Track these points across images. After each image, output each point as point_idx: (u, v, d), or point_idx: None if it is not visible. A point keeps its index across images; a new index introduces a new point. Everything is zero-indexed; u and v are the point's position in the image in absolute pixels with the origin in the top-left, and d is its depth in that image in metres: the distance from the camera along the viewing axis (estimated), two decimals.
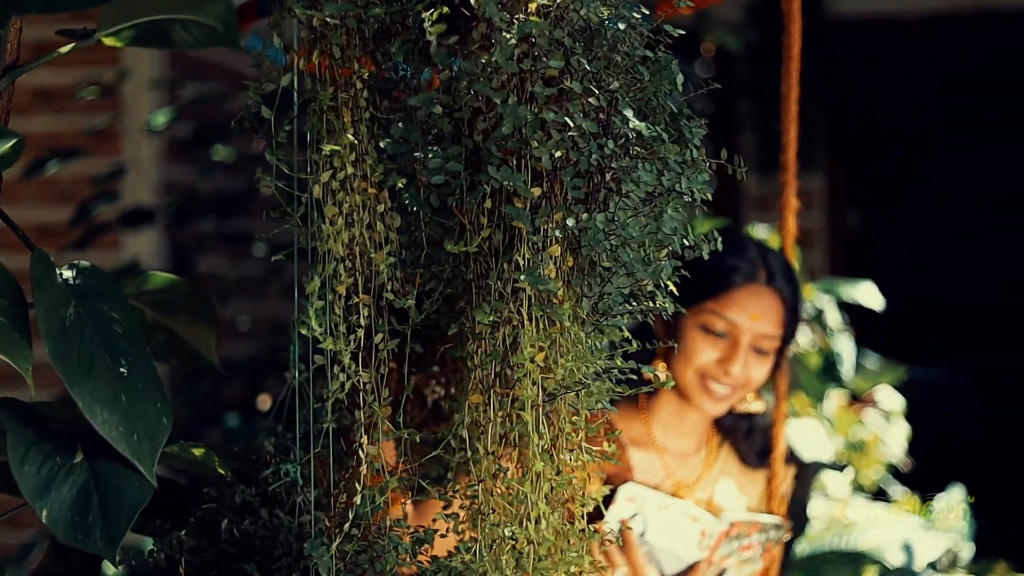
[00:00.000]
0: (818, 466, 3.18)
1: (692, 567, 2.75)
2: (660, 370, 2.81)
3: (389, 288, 1.86)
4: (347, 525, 1.85)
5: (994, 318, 9.71)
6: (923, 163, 9.64)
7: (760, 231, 5.41)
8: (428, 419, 2.13)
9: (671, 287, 1.89)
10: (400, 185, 1.84)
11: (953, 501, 5.07)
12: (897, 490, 5.13)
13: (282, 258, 1.94)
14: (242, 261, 5.70)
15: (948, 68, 9.00)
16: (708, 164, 1.86)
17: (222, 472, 1.97)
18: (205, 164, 5.32)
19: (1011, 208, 9.50)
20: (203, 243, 5.55)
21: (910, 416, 5.27)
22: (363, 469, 1.86)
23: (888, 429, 5.07)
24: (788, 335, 2.85)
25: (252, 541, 1.95)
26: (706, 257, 1.84)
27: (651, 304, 1.86)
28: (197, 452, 1.98)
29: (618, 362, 1.87)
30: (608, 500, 2.71)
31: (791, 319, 2.84)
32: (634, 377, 1.89)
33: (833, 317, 4.73)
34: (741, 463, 2.96)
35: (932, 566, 4.40)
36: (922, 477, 5.53)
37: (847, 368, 4.62)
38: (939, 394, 9.26)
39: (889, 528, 4.35)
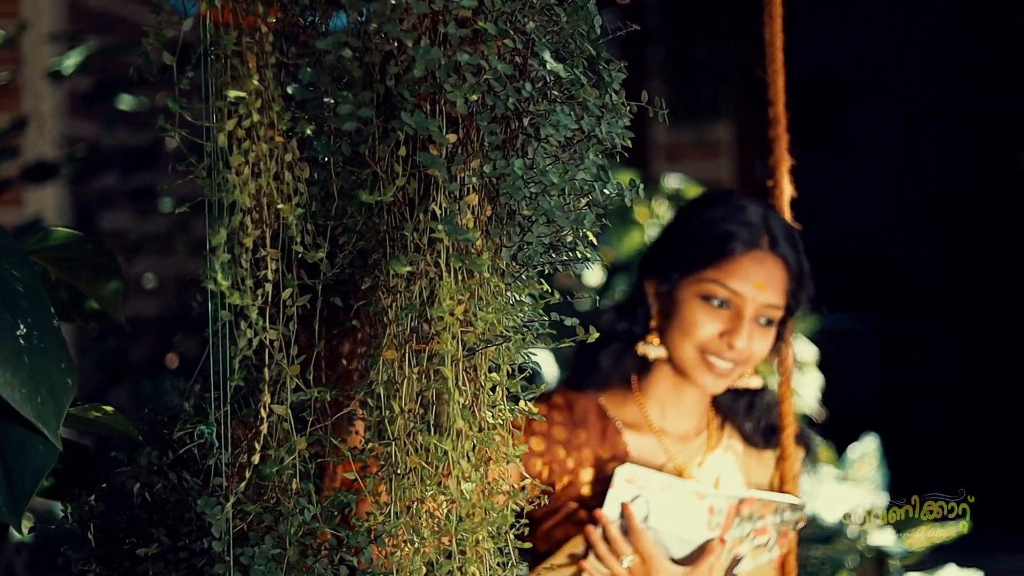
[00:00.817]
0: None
1: (703, 548, 2.54)
2: (654, 345, 2.67)
3: (299, 241, 1.77)
4: (243, 484, 1.77)
5: (904, 265, 9.77)
6: (837, 112, 9.66)
7: (673, 181, 5.36)
8: (343, 378, 2.03)
9: (591, 237, 1.82)
10: (309, 133, 1.76)
11: (866, 451, 5.06)
12: None
13: (186, 210, 1.86)
14: (147, 217, 5.59)
15: (866, 17, 9.01)
16: (628, 108, 1.79)
17: (132, 434, 1.90)
18: (108, 118, 5.20)
19: (923, 156, 9.54)
20: (107, 199, 5.43)
21: (823, 365, 5.26)
22: (263, 428, 1.77)
23: (801, 379, 5.05)
24: (793, 305, 2.68)
25: (163, 505, 1.88)
26: (629, 204, 1.78)
27: (572, 255, 1.80)
28: (105, 412, 1.91)
29: (538, 314, 1.80)
30: (605, 483, 2.56)
31: (796, 287, 2.66)
32: (553, 331, 1.83)
33: None
34: (746, 444, 2.80)
35: (847, 516, 4.39)
36: (835, 426, 5.54)
37: None
38: (851, 342, 9.31)
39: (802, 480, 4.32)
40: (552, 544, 2.62)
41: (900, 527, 4.68)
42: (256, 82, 1.75)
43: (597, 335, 1.79)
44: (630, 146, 1.77)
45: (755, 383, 2.72)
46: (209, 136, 1.77)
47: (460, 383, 1.76)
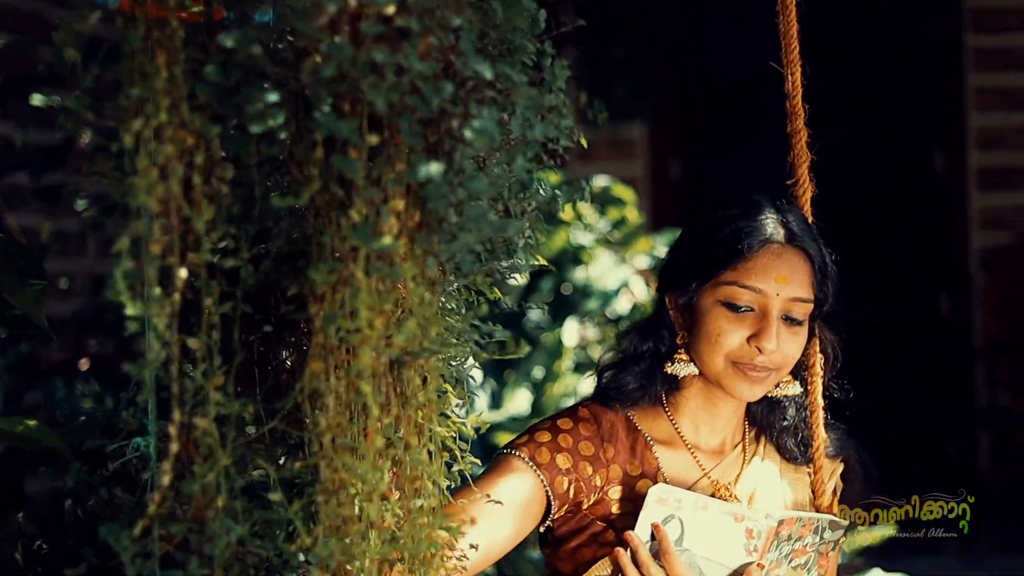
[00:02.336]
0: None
1: (739, 573, 2.38)
2: (683, 363, 2.50)
3: (208, 248, 1.67)
4: (152, 506, 1.67)
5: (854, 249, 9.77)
6: (749, 111, 9.64)
7: (601, 180, 5.30)
8: (271, 391, 1.92)
9: (539, 237, 1.74)
10: (220, 134, 1.66)
11: None
12: None
13: (93, 214, 1.76)
14: (58, 217, 5.45)
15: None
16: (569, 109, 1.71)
17: (59, 449, 1.80)
18: (19, 116, 5.06)
19: (836, 158, 9.55)
20: (15, 198, 5.29)
21: None
22: (174, 447, 1.67)
23: None
24: (821, 299, 2.51)
25: (95, 524, 1.78)
26: (557, 212, 1.70)
27: (508, 261, 1.71)
28: (28, 426, 1.81)
29: (467, 324, 1.72)
30: (636, 502, 2.42)
31: (821, 280, 2.50)
32: (490, 339, 1.74)
33: None
34: (783, 458, 2.63)
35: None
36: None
37: None
38: None
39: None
40: (578, 565, 2.48)
41: None
42: (164, 80, 1.65)
43: (528, 349, 1.70)
44: (585, 146, 1.69)
45: (792, 390, 2.56)
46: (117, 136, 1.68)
47: (386, 398, 1.68)
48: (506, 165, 1.72)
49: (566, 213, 4.88)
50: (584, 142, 1.76)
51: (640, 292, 4.74)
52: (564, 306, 4.78)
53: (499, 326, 1.73)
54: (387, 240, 1.59)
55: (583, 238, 4.91)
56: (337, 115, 1.61)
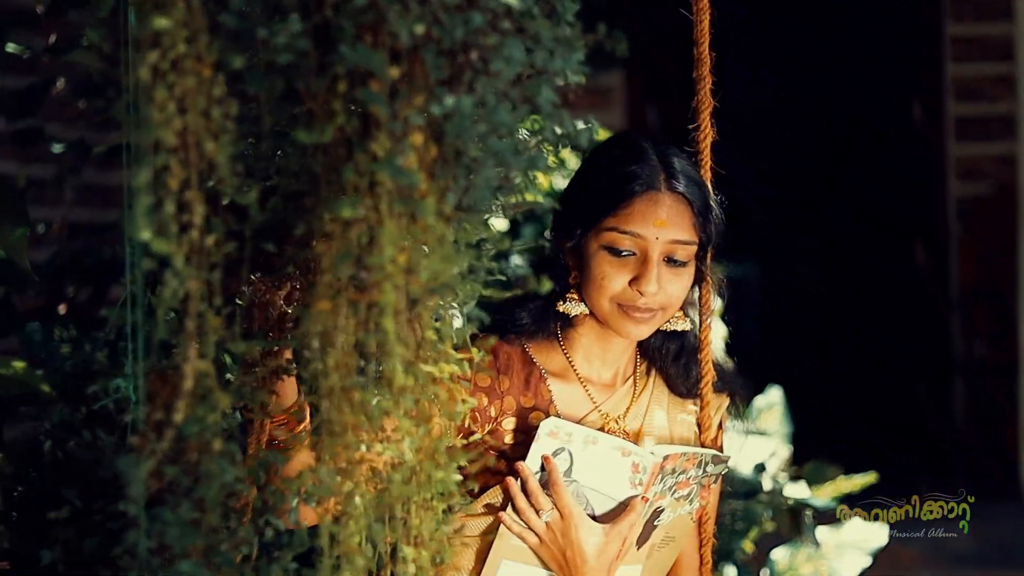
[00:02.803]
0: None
1: (624, 505, 2.48)
2: (574, 302, 2.57)
3: (227, 183, 1.64)
4: (163, 443, 1.64)
5: (804, 214, 9.77)
6: (728, 56, 9.61)
7: (580, 126, 5.26)
8: (274, 329, 1.90)
9: (540, 178, 1.71)
10: (240, 66, 1.63)
11: (771, 402, 5.02)
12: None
13: (102, 150, 1.72)
14: (33, 162, 5.38)
15: None
16: (583, 43, 1.68)
17: (43, 390, 1.76)
18: None
19: (812, 107, 9.54)
20: None
21: (728, 316, 5.20)
22: (187, 384, 1.64)
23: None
24: (704, 241, 2.57)
25: (76, 465, 1.75)
26: (584, 146, 1.67)
27: (521, 198, 1.69)
28: (14, 368, 1.78)
29: (485, 262, 1.69)
30: (528, 433, 2.49)
31: (703, 223, 2.55)
32: (503, 278, 1.72)
33: None
34: (671, 392, 2.69)
35: (759, 468, 4.34)
36: (742, 377, 5.48)
37: None
38: (756, 292, 9.29)
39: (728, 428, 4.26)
40: (470, 495, 2.51)
41: (812, 480, 4.65)
42: (183, 11, 1.62)
43: (549, 286, 1.68)
44: (584, 82, 1.67)
45: (682, 326, 2.62)
46: (129, 70, 1.64)
47: (402, 335, 1.65)
48: (523, 99, 1.69)
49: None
50: (572, 80, 1.73)
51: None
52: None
53: (515, 261, 1.69)
54: (414, 174, 1.56)
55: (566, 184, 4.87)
56: (362, 47, 1.58)
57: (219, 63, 1.63)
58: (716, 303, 5.09)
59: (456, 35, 1.58)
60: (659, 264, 2.51)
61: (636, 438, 2.61)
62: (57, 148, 4.74)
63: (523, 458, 2.46)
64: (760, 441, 4.31)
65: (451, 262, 1.65)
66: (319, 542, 1.69)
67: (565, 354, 2.64)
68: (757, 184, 9.91)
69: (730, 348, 5.15)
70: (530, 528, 2.46)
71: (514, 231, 4.83)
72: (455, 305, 1.79)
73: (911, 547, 5.83)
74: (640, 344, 2.68)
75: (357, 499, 1.70)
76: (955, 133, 7.85)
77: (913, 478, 7.56)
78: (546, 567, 2.50)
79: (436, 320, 1.71)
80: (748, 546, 4.39)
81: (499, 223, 4.88)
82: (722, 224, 2.61)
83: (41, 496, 1.78)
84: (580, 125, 1.68)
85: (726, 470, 2.64)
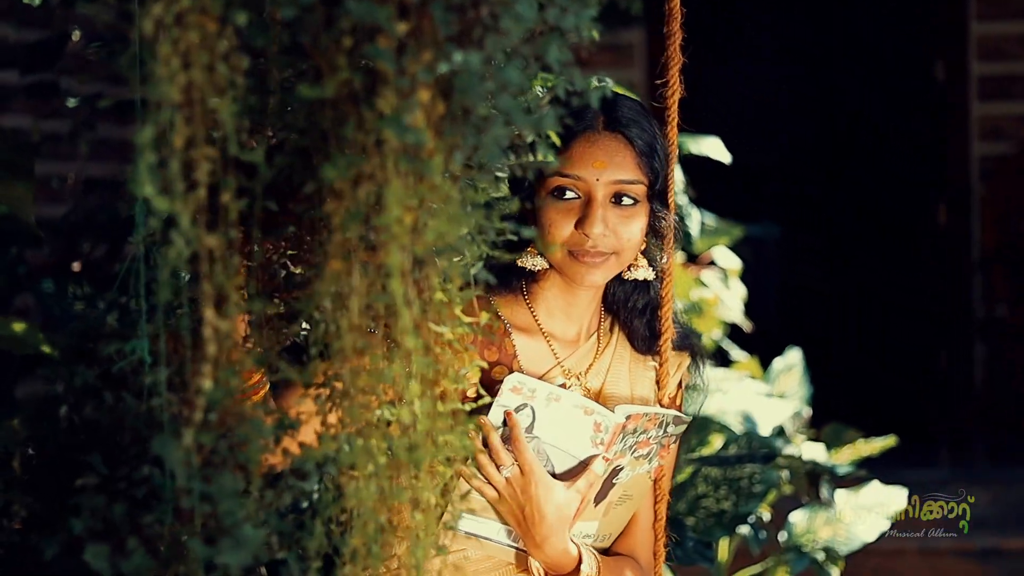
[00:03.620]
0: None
1: (584, 464, 2.47)
2: (531, 255, 2.56)
3: (235, 139, 1.60)
4: (201, 413, 1.60)
5: (825, 174, 9.71)
6: (751, 19, 9.54)
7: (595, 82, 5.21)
8: (280, 289, 1.86)
9: (554, 138, 1.68)
10: (245, 20, 1.59)
11: (790, 364, 4.99)
12: (738, 353, 5.01)
13: (108, 104, 1.69)
14: (48, 117, 5.35)
15: None
16: None
17: (48, 352, 1.73)
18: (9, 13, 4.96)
19: (834, 72, 9.47)
20: (4, 97, 5.19)
21: (747, 276, 5.16)
22: (212, 348, 1.61)
23: (726, 290, 4.95)
24: (651, 179, 2.54)
25: (96, 429, 1.71)
26: (595, 105, 1.63)
27: (531, 158, 1.65)
28: (16, 328, 1.74)
29: (495, 223, 1.66)
30: (490, 388, 2.43)
31: (647, 162, 2.52)
32: (514, 238, 1.69)
33: (676, 174, 4.52)
34: (633, 349, 2.69)
35: (779, 431, 4.31)
36: (761, 338, 5.46)
37: (694, 225, 4.41)
38: (776, 253, 9.24)
39: (733, 393, 4.23)
40: None
41: (830, 443, 4.63)
42: None
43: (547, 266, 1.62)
44: (596, 39, 1.63)
45: (643, 274, 2.60)
46: (134, 24, 1.61)
47: (409, 297, 1.62)
48: (534, 56, 1.65)
49: None
50: (585, 36, 1.69)
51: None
52: None
53: (529, 229, 1.66)
54: (421, 132, 1.53)
55: None
56: (369, 1, 1.54)
57: (224, 17, 1.60)
58: (735, 263, 5.05)
59: None
60: (605, 206, 2.50)
61: (597, 396, 2.62)
62: (72, 102, 4.71)
63: (486, 413, 2.44)
64: (779, 403, 4.27)
65: (458, 223, 1.62)
66: (343, 503, 1.67)
67: (530, 309, 2.63)
68: (776, 145, 9.86)
69: (748, 309, 5.13)
70: (489, 483, 2.46)
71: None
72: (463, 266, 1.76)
73: None
74: (605, 298, 2.68)
75: (371, 464, 1.68)
76: (978, 93, 7.78)
77: (934, 444, 7.56)
78: (503, 522, 2.50)
79: (445, 281, 1.67)
80: (766, 509, 4.37)
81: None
82: (665, 163, 2.58)
83: (61, 462, 1.74)
84: (594, 82, 1.64)
85: (685, 429, 2.63)
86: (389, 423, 1.67)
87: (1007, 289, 7.47)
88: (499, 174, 1.69)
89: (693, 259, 5.05)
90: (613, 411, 2.48)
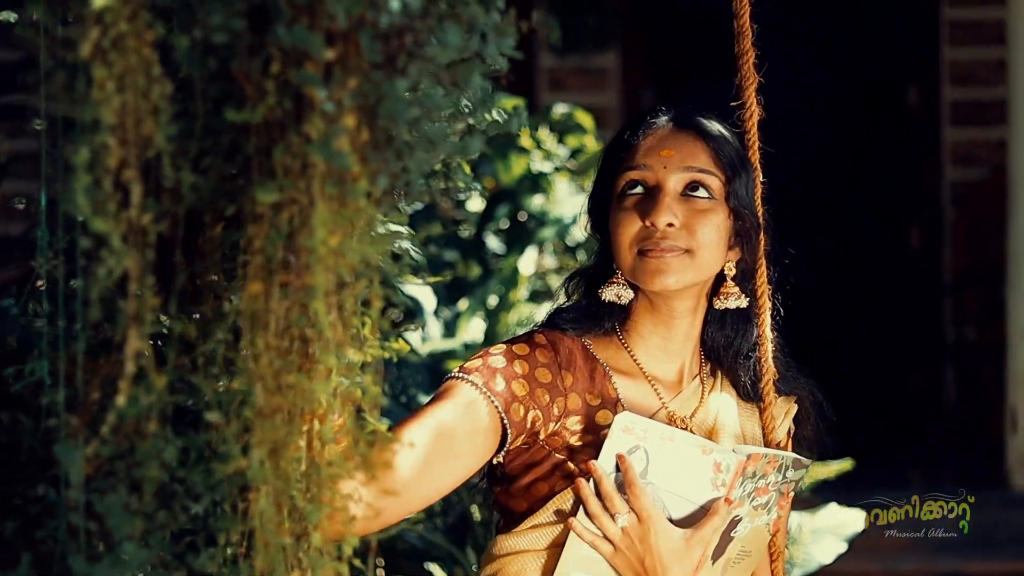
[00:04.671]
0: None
1: (705, 509, 2.26)
2: (615, 285, 2.38)
3: (166, 163, 1.64)
4: (105, 427, 1.64)
5: (795, 201, 9.76)
6: (718, 41, 9.58)
7: (561, 108, 5.26)
8: (198, 308, 1.86)
9: (464, 165, 1.72)
10: (177, 46, 1.63)
11: None
12: None
13: (37, 127, 1.74)
14: (16, 137, 5.37)
15: None
16: (514, 29, 1.68)
17: None
18: None
19: (807, 96, 9.52)
20: None
21: None
22: (129, 367, 1.64)
23: None
24: (729, 173, 2.37)
25: None
26: (516, 131, 1.68)
27: (452, 183, 1.69)
28: None
29: (410, 246, 1.70)
30: (595, 433, 2.31)
31: (724, 157, 2.37)
32: (416, 263, 1.72)
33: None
34: (738, 395, 2.47)
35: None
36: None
37: None
38: None
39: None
40: (533, 502, 2.33)
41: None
42: None
43: (478, 271, 1.67)
44: (514, 62, 1.66)
45: (735, 303, 2.41)
46: (72, 48, 1.65)
47: (330, 318, 1.66)
48: (457, 83, 1.69)
49: (526, 141, 4.83)
50: (500, 65, 1.72)
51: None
52: (521, 234, 4.73)
53: (452, 250, 1.70)
54: (348, 157, 1.57)
55: (543, 166, 4.86)
56: (298, 29, 1.58)
57: (159, 41, 1.64)
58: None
59: (392, 18, 1.58)
60: (675, 197, 2.34)
61: (707, 439, 2.38)
62: (38, 124, 4.73)
63: (593, 459, 2.28)
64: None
65: (381, 245, 1.66)
66: (249, 524, 1.70)
67: (627, 349, 2.43)
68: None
69: None
70: (604, 535, 2.27)
71: (489, 211, 4.84)
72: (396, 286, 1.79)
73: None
74: (704, 344, 2.47)
75: (280, 483, 1.71)
76: (951, 118, 7.85)
77: (903, 467, 7.60)
78: None
79: (363, 304, 1.70)
80: None
81: (474, 203, 4.90)
82: (745, 169, 2.41)
83: None
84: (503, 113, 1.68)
85: (806, 475, 2.41)
86: (304, 444, 1.71)
87: (977, 312, 7.52)
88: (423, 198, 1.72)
89: None
90: (732, 451, 2.27)
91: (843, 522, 4.31)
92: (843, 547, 4.26)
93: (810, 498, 4.47)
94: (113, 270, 1.63)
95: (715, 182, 2.37)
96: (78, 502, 1.65)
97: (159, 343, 1.72)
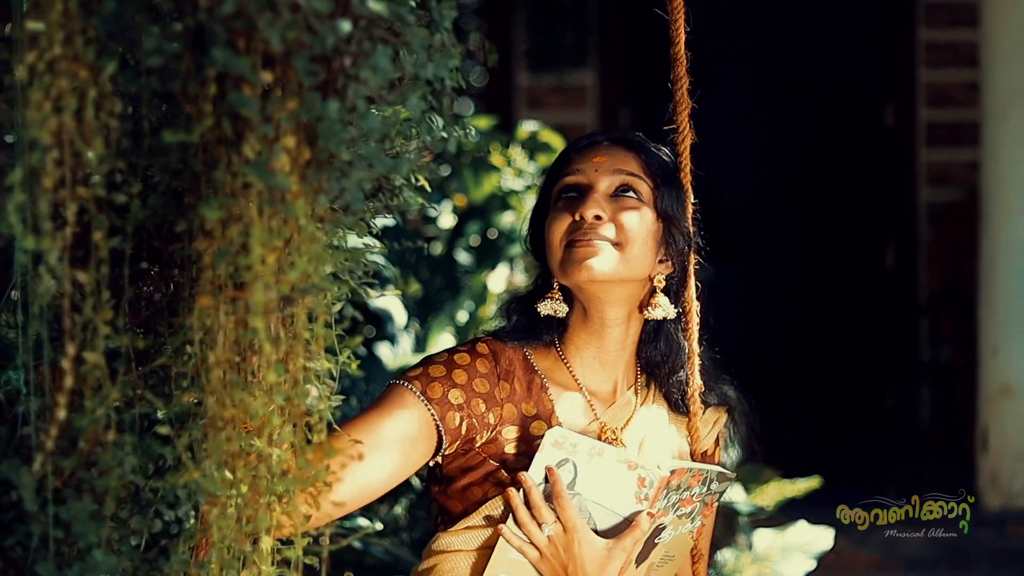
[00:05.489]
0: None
1: (629, 521, 2.37)
2: (551, 300, 2.49)
3: (102, 183, 1.66)
4: (52, 442, 1.67)
5: (771, 220, 9.79)
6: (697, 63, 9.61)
7: (530, 126, 5.28)
8: (149, 323, 1.90)
9: (422, 181, 1.74)
10: (112, 70, 1.65)
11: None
12: None
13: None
14: None
15: None
16: (460, 50, 1.71)
17: None
18: None
19: (787, 110, 9.56)
20: None
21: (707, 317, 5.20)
22: (68, 381, 1.66)
23: None
24: (658, 187, 2.47)
25: None
26: (452, 151, 1.70)
27: (399, 200, 1.71)
28: None
29: (360, 262, 1.72)
30: (529, 443, 2.41)
31: (654, 168, 2.48)
32: (375, 281, 1.74)
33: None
34: (670, 408, 2.58)
35: None
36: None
37: None
38: (734, 295, 9.30)
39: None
40: (468, 504, 2.45)
41: (749, 482, 4.67)
42: (60, 13, 1.64)
43: (417, 287, 1.70)
44: (492, 81, 1.69)
45: (660, 313, 2.47)
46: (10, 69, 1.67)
47: (275, 334, 1.68)
48: (395, 105, 1.72)
49: (496, 159, 4.86)
50: (463, 84, 1.74)
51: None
52: (491, 251, 4.75)
53: (388, 264, 1.72)
54: (282, 176, 1.59)
55: (513, 183, 4.88)
56: (233, 52, 1.60)
57: (95, 64, 1.66)
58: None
59: (327, 42, 1.60)
60: (604, 195, 2.44)
61: (637, 452, 2.50)
62: (10, 138, 4.76)
63: (525, 468, 2.38)
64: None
65: (322, 262, 1.68)
66: (207, 533, 1.72)
67: (564, 361, 2.53)
68: (731, 188, 9.93)
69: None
70: (531, 542, 2.38)
71: (460, 228, 4.86)
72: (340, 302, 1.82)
73: (864, 550, 5.85)
74: (639, 356, 2.55)
75: (236, 490, 1.73)
76: (926, 139, 7.88)
77: (877, 484, 7.61)
78: None
79: (310, 320, 1.73)
80: None
81: (445, 219, 4.92)
82: (674, 184, 2.51)
83: None
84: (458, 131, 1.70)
85: (730, 487, 2.51)
86: (250, 454, 1.73)
87: (952, 332, 7.55)
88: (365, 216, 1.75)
89: None
90: (657, 467, 2.37)
91: (812, 539, 4.34)
92: (812, 564, 4.29)
93: (779, 516, 4.49)
94: (50, 287, 1.65)
95: (644, 187, 2.49)
96: (37, 514, 1.67)
97: (119, 354, 1.74)
